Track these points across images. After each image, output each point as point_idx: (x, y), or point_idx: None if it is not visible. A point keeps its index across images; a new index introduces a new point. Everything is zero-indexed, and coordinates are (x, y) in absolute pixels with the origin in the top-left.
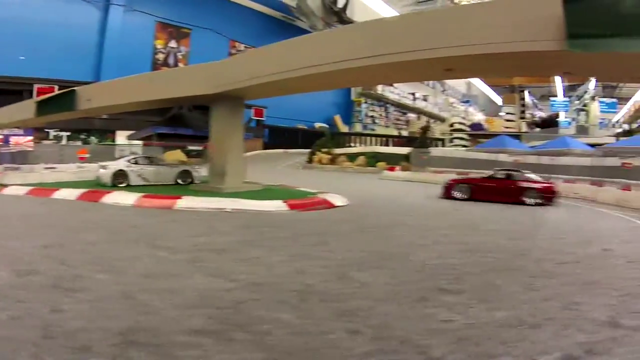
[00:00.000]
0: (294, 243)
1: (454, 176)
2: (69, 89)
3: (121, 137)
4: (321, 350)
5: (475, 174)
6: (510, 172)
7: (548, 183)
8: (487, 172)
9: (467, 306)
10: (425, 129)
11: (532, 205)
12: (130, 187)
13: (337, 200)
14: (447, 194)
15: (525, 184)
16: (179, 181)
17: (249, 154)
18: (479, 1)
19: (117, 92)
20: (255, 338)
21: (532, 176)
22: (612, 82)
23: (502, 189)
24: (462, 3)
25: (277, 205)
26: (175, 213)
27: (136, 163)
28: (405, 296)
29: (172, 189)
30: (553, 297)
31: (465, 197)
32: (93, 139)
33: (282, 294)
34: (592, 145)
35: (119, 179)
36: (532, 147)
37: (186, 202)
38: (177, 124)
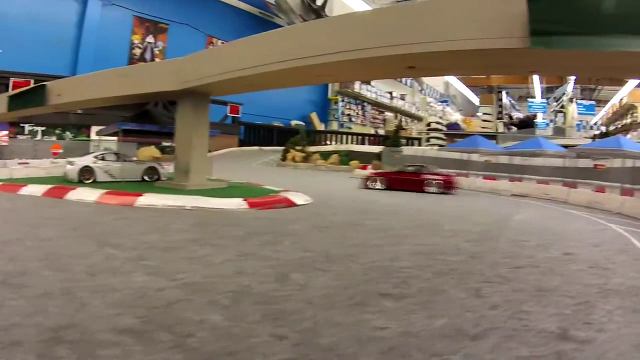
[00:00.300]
0: (244, 242)
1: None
2: (40, 83)
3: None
4: (239, 354)
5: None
6: (417, 167)
7: (448, 176)
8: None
9: (406, 312)
10: (398, 128)
11: (434, 193)
12: (96, 184)
13: (299, 198)
14: (366, 184)
15: (428, 177)
16: (146, 178)
17: (224, 150)
18: None
19: (86, 87)
20: (178, 339)
21: (436, 170)
22: (589, 83)
23: (409, 181)
24: None
25: (237, 204)
26: (135, 210)
27: (103, 159)
28: (343, 300)
29: (137, 185)
30: (502, 305)
31: (382, 187)
32: (68, 134)
33: (216, 294)
34: (566, 147)
35: (86, 175)
36: (505, 147)
37: (147, 200)
38: (144, 120)
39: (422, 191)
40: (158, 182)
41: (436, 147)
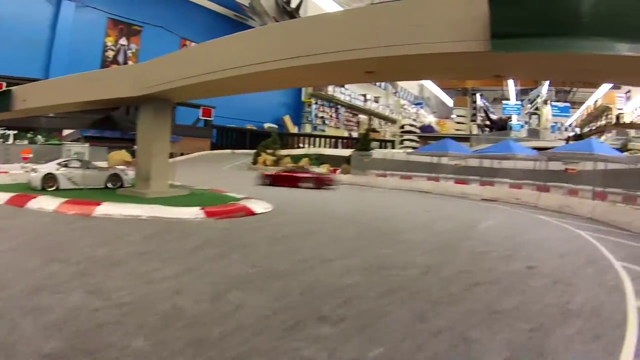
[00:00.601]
0: (192, 256)
1: (389, 178)
2: (5, 89)
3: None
4: None
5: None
6: (295, 167)
7: (320, 175)
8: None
9: (340, 340)
10: (368, 131)
11: (307, 188)
12: (59, 191)
13: (259, 206)
14: (260, 182)
15: (301, 175)
16: (109, 185)
17: (196, 154)
18: None
19: (51, 92)
20: None
21: (311, 169)
22: (564, 85)
23: (287, 178)
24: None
25: (194, 213)
26: (92, 220)
27: (66, 166)
28: (277, 324)
29: (99, 193)
30: (447, 330)
31: (269, 184)
32: (39, 137)
33: (148, 317)
34: (539, 149)
35: (49, 183)
36: (475, 150)
37: (105, 209)
38: (106, 126)
39: (297, 187)
40: (120, 189)
41: (409, 150)
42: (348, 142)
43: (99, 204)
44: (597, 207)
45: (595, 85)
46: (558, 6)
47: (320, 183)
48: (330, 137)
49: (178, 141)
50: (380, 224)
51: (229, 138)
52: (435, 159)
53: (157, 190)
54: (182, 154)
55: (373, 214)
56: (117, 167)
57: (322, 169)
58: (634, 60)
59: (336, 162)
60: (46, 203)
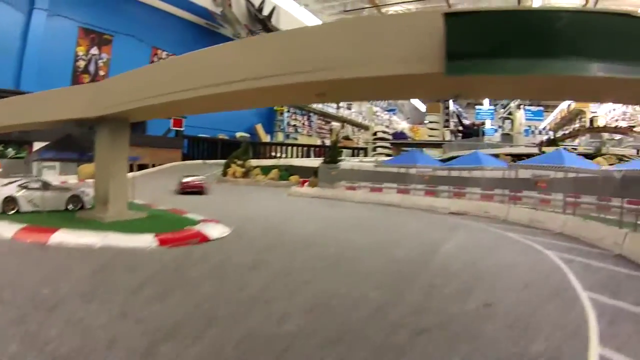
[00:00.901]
0: (134, 296)
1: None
2: None
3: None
4: None
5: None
6: (187, 176)
7: (197, 182)
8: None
9: None
10: (337, 141)
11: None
12: (20, 215)
13: (216, 231)
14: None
15: (185, 182)
16: (70, 206)
17: (167, 165)
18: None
19: (12, 111)
20: None
21: (197, 178)
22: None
23: (183, 187)
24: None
25: (148, 241)
26: (45, 250)
27: (26, 188)
28: None
29: (58, 217)
30: None
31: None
32: (10, 150)
33: None
34: (513, 156)
35: (10, 206)
36: (444, 161)
37: (61, 236)
38: (65, 146)
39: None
40: (80, 212)
41: (385, 157)
42: (321, 150)
43: (55, 231)
44: (568, 221)
45: None
46: (519, 26)
47: (197, 190)
48: (303, 145)
49: (138, 160)
50: (338, 247)
51: (201, 148)
52: (402, 170)
53: (114, 214)
54: (153, 165)
55: (332, 235)
56: (86, 181)
57: (198, 177)
58: (604, 80)
59: (306, 173)
60: (3, 229)
